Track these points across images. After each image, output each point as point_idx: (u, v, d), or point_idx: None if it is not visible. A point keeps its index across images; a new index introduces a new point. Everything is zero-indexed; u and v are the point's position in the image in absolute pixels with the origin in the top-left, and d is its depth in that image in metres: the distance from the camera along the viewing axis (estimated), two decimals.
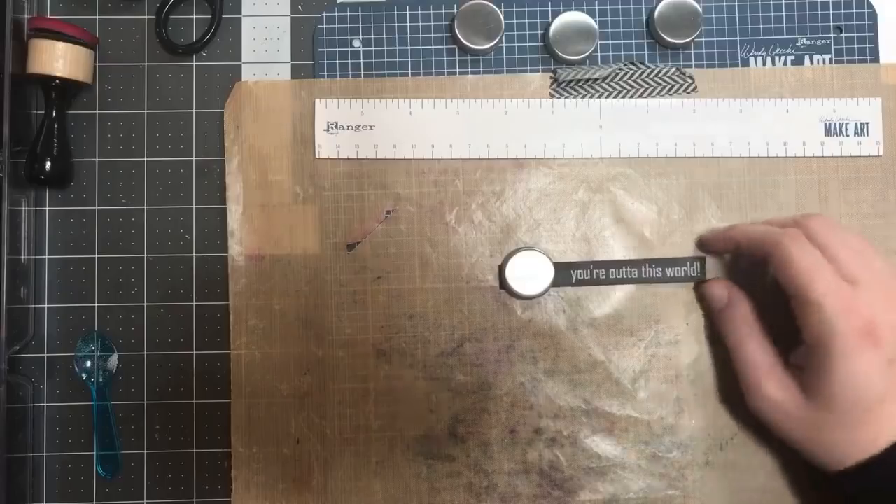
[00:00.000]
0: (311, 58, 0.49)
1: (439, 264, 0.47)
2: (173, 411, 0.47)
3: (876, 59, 0.48)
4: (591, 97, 0.48)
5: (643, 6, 0.49)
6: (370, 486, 0.46)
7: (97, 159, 0.48)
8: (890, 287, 0.39)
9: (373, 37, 0.48)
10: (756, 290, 0.44)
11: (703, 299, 0.46)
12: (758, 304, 0.44)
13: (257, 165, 0.47)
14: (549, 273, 0.46)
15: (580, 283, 0.47)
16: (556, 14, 0.48)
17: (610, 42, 0.49)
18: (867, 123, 0.47)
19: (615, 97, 0.48)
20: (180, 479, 0.47)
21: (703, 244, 0.47)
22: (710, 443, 0.46)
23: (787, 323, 0.41)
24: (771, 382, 0.41)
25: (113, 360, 0.47)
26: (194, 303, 0.48)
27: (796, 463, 0.46)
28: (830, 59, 0.48)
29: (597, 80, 0.48)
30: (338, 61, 0.48)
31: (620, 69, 0.48)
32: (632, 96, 0.48)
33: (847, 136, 0.47)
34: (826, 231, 0.40)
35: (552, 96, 0.48)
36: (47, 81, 0.46)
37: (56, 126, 0.47)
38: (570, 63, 0.48)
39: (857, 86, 0.48)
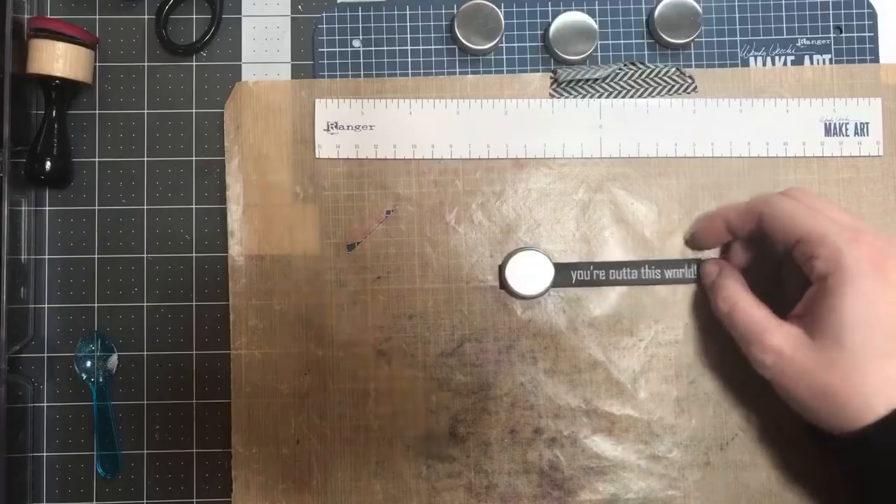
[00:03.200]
0: (311, 58, 0.49)
1: (439, 264, 0.47)
2: (173, 411, 0.47)
3: (876, 59, 0.48)
4: (591, 97, 0.48)
5: (643, 6, 0.49)
6: (370, 487, 0.46)
7: (97, 159, 0.48)
8: (884, 236, 0.39)
9: (373, 37, 0.48)
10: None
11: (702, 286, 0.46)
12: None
13: (257, 165, 0.47)
14: (549, 273, 0.46)
15: (580, 283, 0.47)
16: (556, 14, 0.48)
17: (610, 42, 0.49)
18: (867, 123, 0.47)
19: (615, 97, 0.48)
20: (180, 479, 0.47)
21: (694, 238, 0.47)
22: (710, 443, 0.46)
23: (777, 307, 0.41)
24: (774, 333, 0.39)
25: (113, 360, 0.47)
26: (194, 303, 0.48)
27: (797, 463, 0.46)
28: (830, 59, 0.48)
29: (597, 80, 0.48)
30: (338, 61, 0.48)
31: (620, 69, 0.48)
32: (632, 96, 0.48)
33: (847, 136, 0.47)
34: (808, 194, 0.41)
35: (552, 96, 0.48)
36: (47, 81, 0.46)
37: (56, 126, 0.47)
38: (570, 63, 0.48)
39: (857, 86, 0.48)
